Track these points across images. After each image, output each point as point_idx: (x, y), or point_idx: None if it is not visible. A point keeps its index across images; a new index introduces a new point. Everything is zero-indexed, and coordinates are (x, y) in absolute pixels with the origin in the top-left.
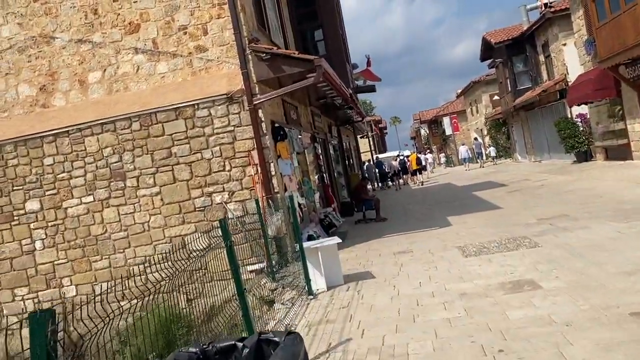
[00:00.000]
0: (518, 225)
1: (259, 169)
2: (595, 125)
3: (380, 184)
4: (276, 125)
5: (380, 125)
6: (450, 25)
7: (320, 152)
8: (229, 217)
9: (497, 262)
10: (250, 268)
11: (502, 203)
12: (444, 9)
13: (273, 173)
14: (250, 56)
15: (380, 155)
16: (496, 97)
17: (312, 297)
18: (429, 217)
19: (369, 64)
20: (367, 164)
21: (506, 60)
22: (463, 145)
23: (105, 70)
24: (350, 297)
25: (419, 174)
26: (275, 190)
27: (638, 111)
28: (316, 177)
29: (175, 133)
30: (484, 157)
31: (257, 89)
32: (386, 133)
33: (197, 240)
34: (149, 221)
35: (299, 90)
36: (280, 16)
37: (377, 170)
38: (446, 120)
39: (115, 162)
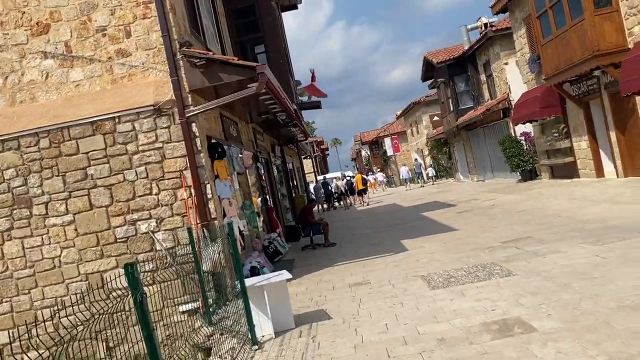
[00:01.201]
0: (481, 249)
1: (192, 191)
2: (542, 144)
3: (327, 205)
4: (213, 141)
5: (322, 147)
6: (386, 50)
7: (263, 172)
8: (157, 248)
9: (471, 296)
10: (182, 308)
11: (457, 225)
12: (381, 35)
13: (210, 196)
14: (181, 62)
15: (324, 176)
16: (437, 118)
17: (256, 347)
18: (381, 241)
19: (313, 78)
20: (313, 184)
21: (448, 80)
22: (404, 166)
23: (7, 77)
24: (304, 346)
25: (364, 194)
26: (213, 216)
27: (584, 129)
28: (259, 200)
29: (92, 151)
30: (425, 177)
31: (189, 99)
32: (328, 154)
33: (120, 277)
34: (60, 255)
35: (240, 104)
36: (217, 24)
37: (323, 191)
38: (387, 141)
39: (19, 186)
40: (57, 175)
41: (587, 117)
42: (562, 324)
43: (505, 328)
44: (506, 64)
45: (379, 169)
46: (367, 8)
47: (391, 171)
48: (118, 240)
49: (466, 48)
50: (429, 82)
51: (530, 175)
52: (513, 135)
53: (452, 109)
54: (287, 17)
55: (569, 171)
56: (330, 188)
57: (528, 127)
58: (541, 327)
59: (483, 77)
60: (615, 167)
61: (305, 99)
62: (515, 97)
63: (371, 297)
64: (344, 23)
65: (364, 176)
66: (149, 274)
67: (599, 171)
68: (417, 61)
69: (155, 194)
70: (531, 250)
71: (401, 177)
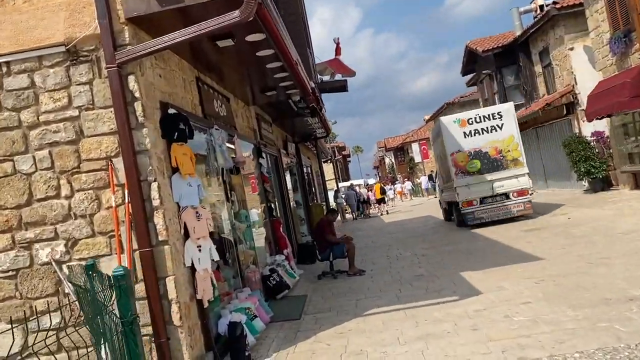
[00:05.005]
0: (618, 301)
1: (127, 194)
2: (625, 145)
3: (358, 213)
4: (171, 111)
5: (344, 153)
6: (412, 59)
7: (268, 172)
8: (66, 291)
9: None
10: None
11: (535, 249)
12: (407, 44)
13: (157, 203)
14: None
15: (345, 184)
16: None
17: None
18: (431, 273)
19: (338, 51)
20: (348, 190)
21: (494, 73)
22: (424, 176)
23: None
24: None
25: (383, 203)
26: (161, 239)
27: None
28: (261, 209)
29: None
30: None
31: (126, 34)
32: (349, 161)
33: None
34: None
35: (232, 69)
36: None
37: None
38: (415, 147)
39: None
40: None
41: None
42: None
43: None
44: (572, 49)
45: (406, 178)
46: (395, 17)
47: (418, 179)
48: (0, 275)
49: (518, 34)
50: (469, 77)
51: (602, 184)
52: (579, 135)
53: None
54: (314, 26)
55: None
56: (358, 195)
57: (600, 126)
58: None
59: (539, 68)
60: None
61: (327, 78)
62: (582, 89)
63: None
64: (372, 31)
65: (383, 185)
66: (52, 333)
67: None
68: (444, 70)
69: (65, 197)
70: None
71: (422, 187)
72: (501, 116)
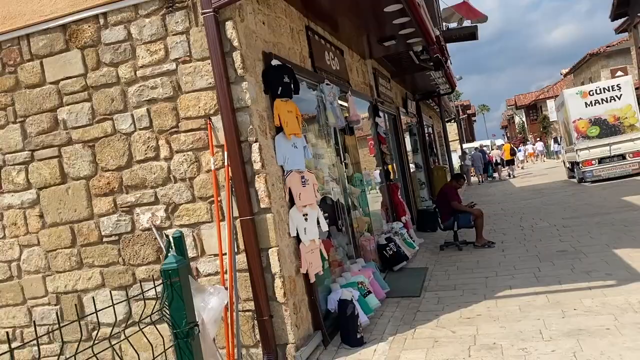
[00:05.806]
0: None
1: (226, 156)
2: None
3: (487, 176)
4: (275, 63)
5: (469, 112)
6: (547, 8)
7: (385, 132)
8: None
9: None
10: None
11: None
12: None
13: (258, 166)
14: None
15: (469, 145)
16: (621, 73)
17: None
18: (577, 249)
19: None
20: (473, 152)
21: None
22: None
23: None
24: None
25: (512, 164)
26: (263, 206)
27: None
28: (377, 172)
29: (65, 79)
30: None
31: None
32: (474, 121)
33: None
34: (19, 258)
35: (346, 18)
36: None
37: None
38: (550, 104)
39: None
40: (14, 122)
41: None
42: None
43: None
44: None
45: (537, 138)
46: None
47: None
48: (104, 239)
49: None
50: (618, 23)
51: None
52: None
53: None
54: None
55: None
56: (487, 157)
57: None
58: None
59: None
60: None
61: (454, 25)
62: None
63: None
64: None
65: (513, 146)
66: (155, 306)
67: None
68: (583, 19)
69: (165, 159)
70: None
71: (553, 149)
72: (620, 88)
